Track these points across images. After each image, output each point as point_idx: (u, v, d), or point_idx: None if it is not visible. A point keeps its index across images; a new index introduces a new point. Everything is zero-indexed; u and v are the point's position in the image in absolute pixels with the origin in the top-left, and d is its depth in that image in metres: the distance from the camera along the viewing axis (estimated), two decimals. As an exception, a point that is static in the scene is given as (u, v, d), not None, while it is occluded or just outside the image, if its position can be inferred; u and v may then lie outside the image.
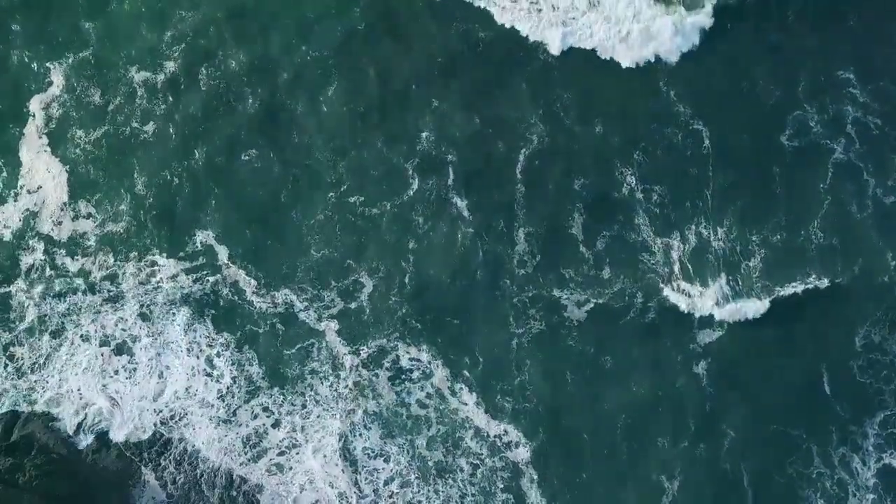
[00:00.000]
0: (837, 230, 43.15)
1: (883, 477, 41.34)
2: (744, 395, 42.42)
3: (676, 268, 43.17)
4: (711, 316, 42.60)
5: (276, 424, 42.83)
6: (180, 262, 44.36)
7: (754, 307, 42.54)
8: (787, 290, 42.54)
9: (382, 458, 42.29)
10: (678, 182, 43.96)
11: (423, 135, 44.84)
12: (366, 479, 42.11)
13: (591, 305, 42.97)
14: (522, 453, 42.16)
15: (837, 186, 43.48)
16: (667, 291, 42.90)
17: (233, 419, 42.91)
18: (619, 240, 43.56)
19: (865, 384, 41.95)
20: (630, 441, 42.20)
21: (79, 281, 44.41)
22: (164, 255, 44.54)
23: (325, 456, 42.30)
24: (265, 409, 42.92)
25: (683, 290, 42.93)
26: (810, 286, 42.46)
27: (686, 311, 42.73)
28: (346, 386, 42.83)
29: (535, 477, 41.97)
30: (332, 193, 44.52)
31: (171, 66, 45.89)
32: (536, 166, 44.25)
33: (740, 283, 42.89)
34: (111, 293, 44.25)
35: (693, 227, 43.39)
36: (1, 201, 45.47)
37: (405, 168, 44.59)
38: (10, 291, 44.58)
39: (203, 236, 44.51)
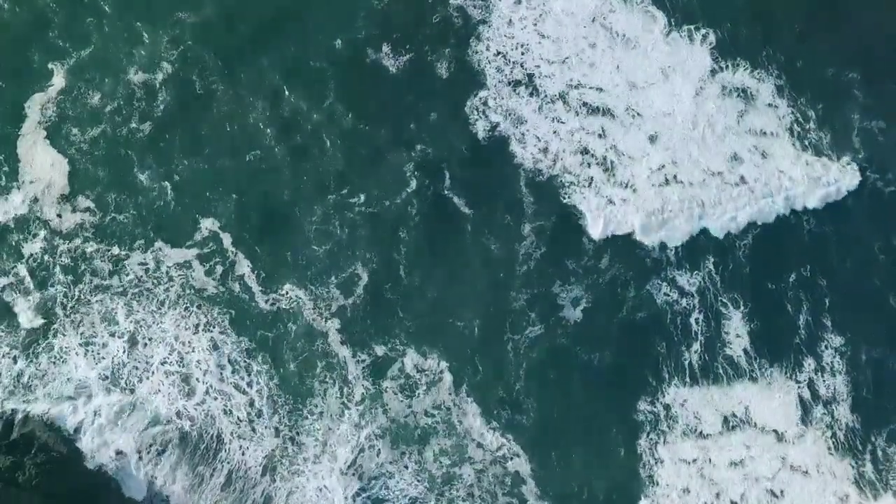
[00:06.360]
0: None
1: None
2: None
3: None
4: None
5: (278, 433, 42.90)
6: (187, 251, 44.38)
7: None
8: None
9: (391, 464, 42.45)
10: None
11: (423, 136, 45.15)
12: (373, 484, 42.30)
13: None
14: (522, 463, 42.37)
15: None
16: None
17: (239, 428, 42.93)
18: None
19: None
20: (627, 441, 42.55)
21: (85, 273, 44.36)
22: (170, 245, 44.57)
23: (334, 463, 42.45)
24: (272, 417, 42.93)
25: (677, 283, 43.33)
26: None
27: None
28: (355, 396, 43.08)
29: (535, 485, 42.17)
30: (333, 196, 44.61)
31: (171, 67, 45.87)
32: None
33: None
34: (118, 286, 44.30)
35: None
36: (6, 191, 45.46)
37: (405, 171, 44.68)
38: (14, 283, 44.53)
39: (208, 228, 44.45)
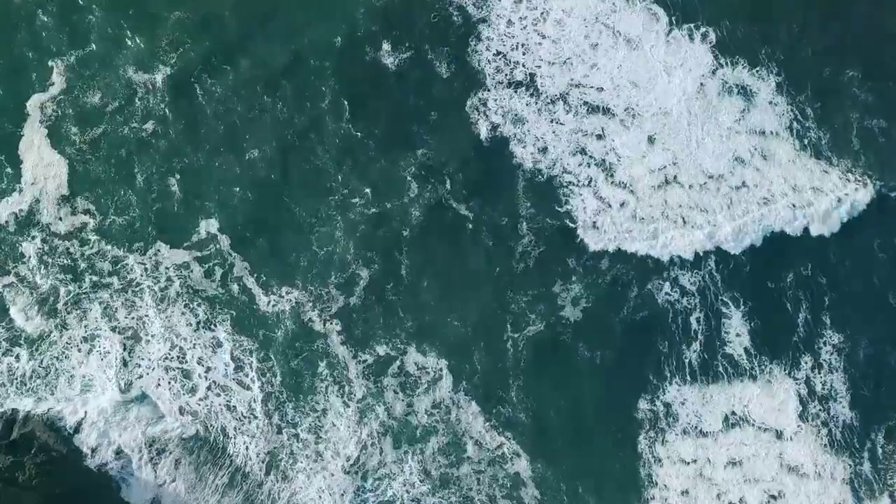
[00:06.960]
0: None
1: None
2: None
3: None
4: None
5: (281, 430, 43.08)
6: (186, 252, 44.34)
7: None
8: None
9: (393, 464, 42.55)
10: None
11: (423, 135, 45.04)
12: (375, 485, 42.42)
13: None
14: (522, 464, 42.53)
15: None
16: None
17: (242, 425, 43.05)
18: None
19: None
20: (627, 440, 42.72)
21: (85, 272, 44.33)
22: (169, 245, 44.55)
23: (336, 461, 42.55)
24: (274, 415, 43.07)
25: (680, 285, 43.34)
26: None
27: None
28: (356, 395, 43.16)
29: (534, 486, 42.33)
30: (333, 196, 44.57)
31: (171, 67, 45.70)
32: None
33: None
34: (118, 285, 44.26)
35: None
36: (6, 192, 45.40)
37: (404, 172, 44.63)
38: (14, 284, 44.41)
39: (206, 230, 44.39)
